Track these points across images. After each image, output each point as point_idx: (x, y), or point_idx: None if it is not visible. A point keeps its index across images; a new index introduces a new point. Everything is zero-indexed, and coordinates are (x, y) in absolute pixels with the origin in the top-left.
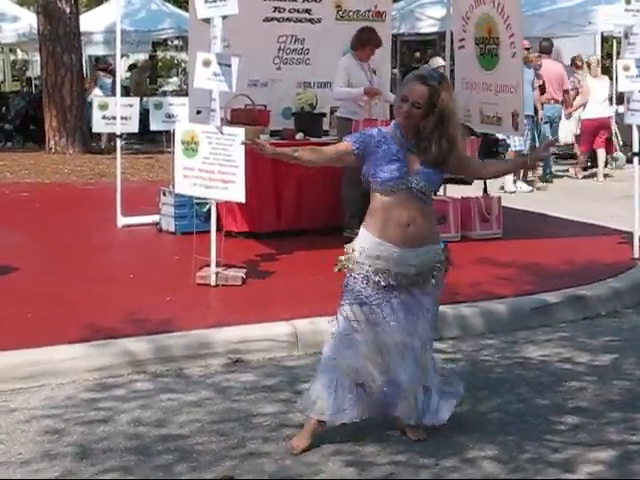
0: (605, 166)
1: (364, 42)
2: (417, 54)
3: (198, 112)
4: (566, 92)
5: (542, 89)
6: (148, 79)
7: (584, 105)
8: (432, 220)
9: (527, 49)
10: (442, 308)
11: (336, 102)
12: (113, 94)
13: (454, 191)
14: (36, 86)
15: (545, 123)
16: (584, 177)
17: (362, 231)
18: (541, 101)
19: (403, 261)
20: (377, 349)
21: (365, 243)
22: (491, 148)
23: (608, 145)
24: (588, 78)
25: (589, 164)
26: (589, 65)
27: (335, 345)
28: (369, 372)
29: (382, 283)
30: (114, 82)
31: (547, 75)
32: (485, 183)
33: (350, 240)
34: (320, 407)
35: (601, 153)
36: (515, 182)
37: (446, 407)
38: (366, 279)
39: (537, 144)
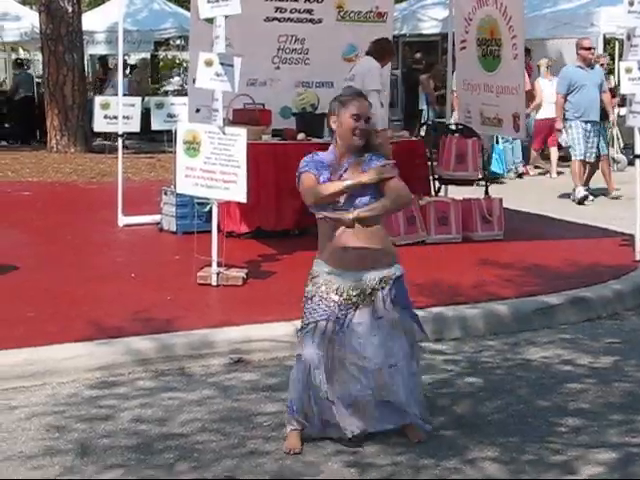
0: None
1: (389, 54)
2: (418, 55)
3: (197, 110)
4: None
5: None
6: (150, 78)
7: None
8: (381, 241)
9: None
10: (443, 309)
11: None
12: (130, 93)
13: (455, 192)
14: (38, 85)
15: None
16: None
17: (316, 259)
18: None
19: (350, 283)
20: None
21: (315, 267)
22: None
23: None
24: (540, 80)
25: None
26: (539, 67)
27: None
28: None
29: (337, 303)
30: (128, 81)
31: None
32: (487, 184)
33: None
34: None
35: (554, 151)
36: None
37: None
38: (322, 300)
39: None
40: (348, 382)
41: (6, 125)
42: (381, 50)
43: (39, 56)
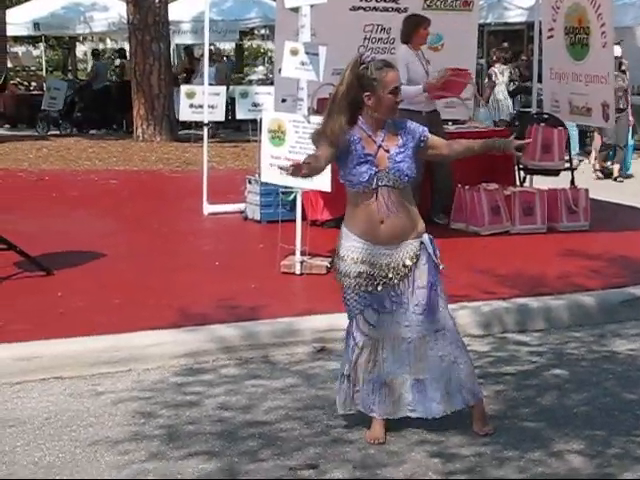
0: None
1: (417, 24)
2: (505, 44)
3: (283, 100)
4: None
5: None
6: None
7: None
8: (412, 212)
9: None
10: (527, 300)
11: None
12: (217, 83)
13: (541, 182)
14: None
15: None
16: None
17: (344, 230)
18: None
19: (382, 259)
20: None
21: (346, 242)
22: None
23: None
24: None
25: None
26: None
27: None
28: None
29: (369, 289)
30: (217, 70)
31: None
32: (572, 174)
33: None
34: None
35: None
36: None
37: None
38: (356, 290)
39: None
40: (386, 361)
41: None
42: (404, 31)
43: (126, 46)
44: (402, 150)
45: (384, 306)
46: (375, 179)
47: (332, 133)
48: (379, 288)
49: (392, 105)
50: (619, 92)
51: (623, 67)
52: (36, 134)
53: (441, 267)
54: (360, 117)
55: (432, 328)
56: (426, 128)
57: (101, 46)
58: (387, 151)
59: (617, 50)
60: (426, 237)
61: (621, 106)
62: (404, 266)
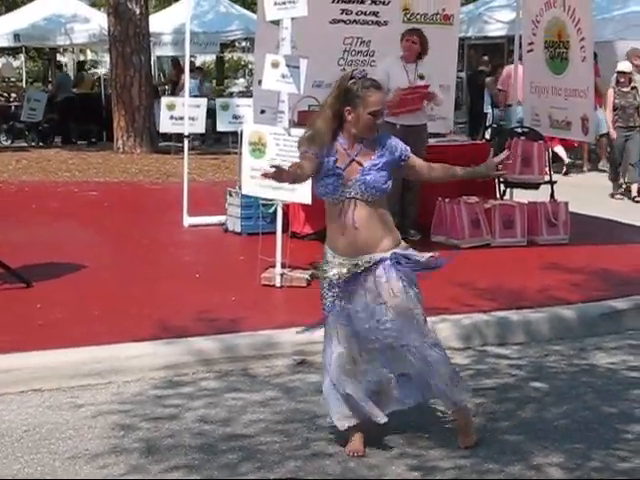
0: None
1: (401, 37)
2: (485, 57)
3: (262, 111)
4: None
5: None
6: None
7: None
8: (383, 225)
9: None
10: (507, 313)
11: None
12: (200, 95)
13: (521, 196)
14: (105, 86)
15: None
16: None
17: (325, 245)
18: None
19: (348, 268)
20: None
21: (325, 256)
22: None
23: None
24: None
25: None
26: None
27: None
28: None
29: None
30: (201, 82)
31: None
32: (552, 188)
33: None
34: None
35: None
36: None
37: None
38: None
39: None
40: (369, 368)
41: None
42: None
43: (106, 58)
44: (376, 164)
45: (351, 320)
46: (341, 191)
47: (321, 142)
48: (343, 302)
49: (370, 126)
50: (630, 109)
51: (634, 84)
52: (14, 145)
53: (430, 255)
54: (340, 131)
55: (398, 343)
56: (408, 148)
57: (82, 57)
58: (360, 164)
59: (626, 66)
60: (392, 252)
61: (631, 124)
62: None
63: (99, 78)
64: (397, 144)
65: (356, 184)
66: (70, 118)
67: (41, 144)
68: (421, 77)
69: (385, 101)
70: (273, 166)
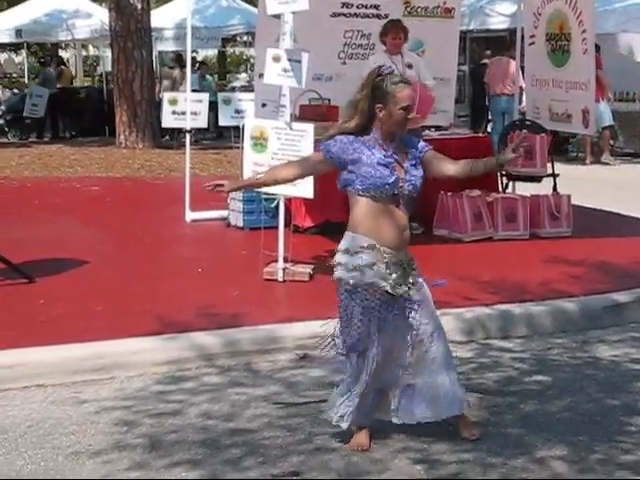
0: None
1: (382, 34)
2: (488, 52)
3: (264, 105)
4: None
5: None
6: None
7: None
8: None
9: None
10: (510, 306)
11: None
12: (201, 90)
13: (523, 189)
14: (107, 81)
15: (498, 114)
16: None
17: (352, 237)
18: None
19: (397, 263)
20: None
21: (366, 253)
22: (560, 147)
23: None
24: None
25: None
26: None
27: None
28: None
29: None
30: (202, 77)
31: (502, 71)
32: (555, 180)
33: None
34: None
35: None
36: None
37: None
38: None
39: None
40: (383, 372)
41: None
42: (379, 36)
43: (108, 53)
44: (413, 163)
45: (388, 316)
46: (392, 186)
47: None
48: (386, 298)
49: (402, 121)
50: None
51: None
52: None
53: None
54: (372, 128)
55: (429, 330)
56: (427, 144)
57: (84, 53)
58: (399, 163)
59: None
60: None
61: None
62: (413, 275)
63: (102, 74)
64: (416, 141)
65: (405, 183)
66: (57, 113)
67: (23, 139)
68: (409, 66)
69: (411, 98)
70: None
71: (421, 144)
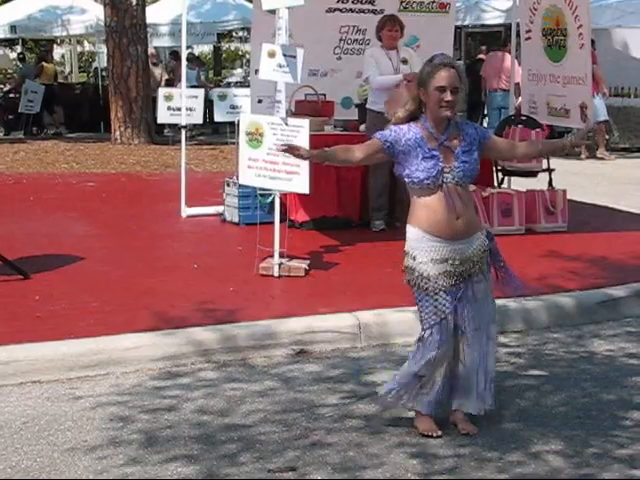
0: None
1: (379, 28)
2: (483, 47)
3: (259, 101)
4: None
5: None
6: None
7: None
8: (473, 208)
9: None
10: (506, 301)
11: None
12: (198, 86)
13: (519, 184)
14: (103, 77)
15: (494, 109)
16: None
17: (413, 231)
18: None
19: (458, 254)
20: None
21: (419, 243)
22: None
23: None
24: None
25: None
26: None
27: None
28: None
29: (448, 287)
30: (198, 73)
31: (497, 66)
32: (550, 176)
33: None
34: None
35: None
36: None
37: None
38: (438, 293)
39: None
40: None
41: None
42: (376, 30)
43: (104, 49)
44: (466, 149)
45: (456, 307)
46: (442, 175)
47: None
48: (458, 282)
49: (437, 102)
50: None
51: None
52: (13, 137)
53: (501, 261)
54: (423, 115)
55: (475, 324)
56: (487, 130)
57: (79, 49)
58: (451, 150)
59: None
60: (488, 231)
61: None
62: (476, 261)
63: (96, 69)
64: (475, 127)
65: (455, 170)
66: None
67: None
68: (404, 61)
69: (449, 79)
70: (285, 145)
71: (481, 130)
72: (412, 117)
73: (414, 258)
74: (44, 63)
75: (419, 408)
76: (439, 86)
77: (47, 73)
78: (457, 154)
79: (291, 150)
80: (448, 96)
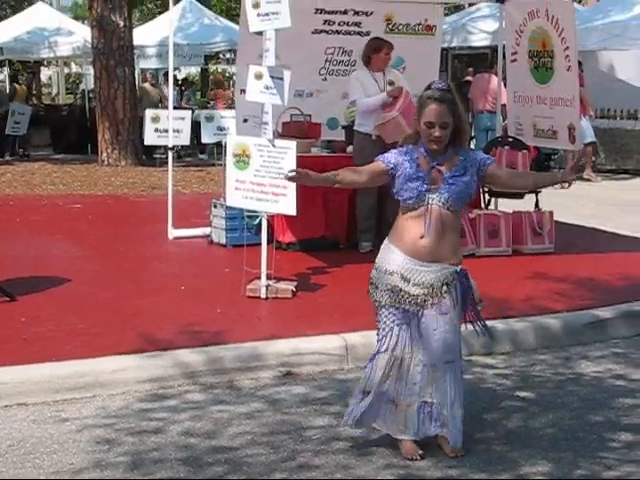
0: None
1: (377, 48)
2: (470, 69)
3: (245, 120)
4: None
5: None
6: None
7: None
8: (457, 237)
9: None
10: (493, 322)
11: None
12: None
13: (505, 205)
14: (90, 99)
15: (481, 131)
16: None
17: (384, 243)
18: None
19: (416, 275)
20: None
21: (383, 254)
22: (543, 162)
23: None
24: None
25: None
26: None
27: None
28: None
29: (402, 306)
30: (181, 95)
31: (484, 87)
32: (537, 197)
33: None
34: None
35: None
36: None
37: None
38: (386, 304)
39: None
40: (399, 380)
41: None
42: (363, 54)
43: (91, 70)
44: (457, 174)
45: (409, 325)
46: (426, 196)
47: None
48: (407, 306)
49: (426, 136)
50: None
51: None
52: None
53: (479, 306)
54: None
55: (443, 358)
56: (489, 158)
57: (66, 70)
58: (441, 172)
59: None
60: (461, 269)
61: None
62: (437, 289)
63: (83, 91)
64: (477, 156)
65: (442, 192)
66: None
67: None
68: (391, 83)
69: (438, 115)
70: (292, 170)
71: (481, 157)
72: (414, 141)
73: (376, 269)
74: (16, 85)
75: (392, 434)
76: (428, 122)
77: (19, 95)
78: (445, 177)
79: (299, 175)
80: (436, 132)
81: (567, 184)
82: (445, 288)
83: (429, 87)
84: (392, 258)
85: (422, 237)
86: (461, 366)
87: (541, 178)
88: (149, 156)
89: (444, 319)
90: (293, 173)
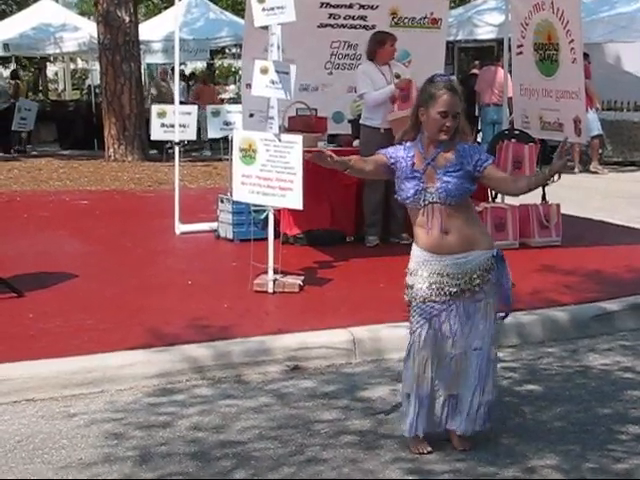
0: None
1: (381, 41)
2: (476, 62)
3: (251, 115)
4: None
5: None
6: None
7: None
8: (474, 225)
9: None
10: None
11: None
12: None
13: (512, 198)
14: (96, 95)
15: (488, 124)
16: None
17: (413, 248)
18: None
19: (452, 269)
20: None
21: (416, 259)
22: (548, 155)
23: None
24: None
25: None
26: None
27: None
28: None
29: (438, 299)
30: (188, 90)
31: (490, 80)
32: (544, 190)
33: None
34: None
35: None
36: None
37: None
38: (424, 302)
39: None
40: (432, 379)
41: None
42: (368, 48)
43: (97, 66)
44: (451, 170)
45: (442, 319)
46: (423, 195)
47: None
48: (450, 296)
49: (439, 126)
50: None
51: None
52: (6, 155)
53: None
54: (420, 133)
55: (473, 345)
56: (489, 158)
57: (72, 66)
58: (435, 169)
59: None
60: (497, 251)
61: None
62: (475, 277)
63: (89, 86)
64: (475, 154)
65: (437, 190)
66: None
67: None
68: (397, 76)
69: (452, 105)
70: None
71: (479, 157)
72: (413, 136)
73: (411, 274)
74: (18, 81)
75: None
76: (442, 111)
77: (21, 91)
78: (439, 175)
79: (319, 155)
80: (449, 122)
81: (557, 176)
82: (478, 274)
83: (432, 79)
84: (424, 260)
85: (447, 234)
86: (490, 354)
87: (533, 179)
88: (160, 150)
89: (475, 306)
90: (314, 156)
